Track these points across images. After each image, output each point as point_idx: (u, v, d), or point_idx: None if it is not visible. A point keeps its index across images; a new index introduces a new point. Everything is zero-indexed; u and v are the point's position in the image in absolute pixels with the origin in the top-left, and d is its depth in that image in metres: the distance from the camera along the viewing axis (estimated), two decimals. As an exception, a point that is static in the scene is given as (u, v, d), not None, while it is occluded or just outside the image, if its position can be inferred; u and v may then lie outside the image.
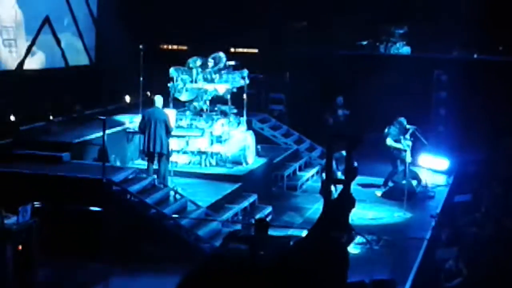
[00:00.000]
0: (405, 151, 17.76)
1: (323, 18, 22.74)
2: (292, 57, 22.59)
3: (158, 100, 15.17)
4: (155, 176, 14.70)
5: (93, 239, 12.74)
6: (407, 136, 18.15)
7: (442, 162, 19.80)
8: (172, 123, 15.64)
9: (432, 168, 19.78)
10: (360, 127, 17.26)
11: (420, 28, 23.47)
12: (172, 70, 17.38)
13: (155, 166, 14.95)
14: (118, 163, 15.52)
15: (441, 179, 19.30)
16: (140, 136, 15.96)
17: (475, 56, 23.45)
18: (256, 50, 23.17)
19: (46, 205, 12.14)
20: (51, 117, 16.09)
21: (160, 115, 14.94)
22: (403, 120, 18.41)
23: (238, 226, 14.30)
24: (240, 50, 22.42)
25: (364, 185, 18.15)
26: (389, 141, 18.30)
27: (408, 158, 17.51)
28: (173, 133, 15.55)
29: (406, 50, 24.28)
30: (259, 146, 18.17)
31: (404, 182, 17.49)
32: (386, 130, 18.28)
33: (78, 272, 12.52)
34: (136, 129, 15.55)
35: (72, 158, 14.60)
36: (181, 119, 17.11)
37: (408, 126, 18.86)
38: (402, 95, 20.46)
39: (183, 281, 9.42)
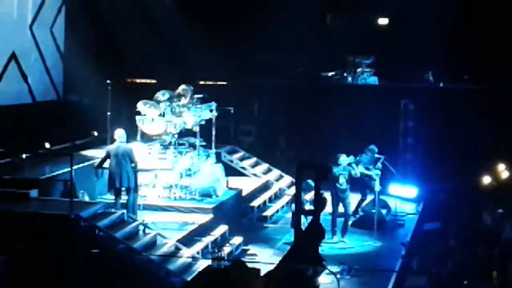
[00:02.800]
0: (375, 180, 17.83)
1: (292, 49, 22.90)
2: (260, 89, 22.72)
3: (119, 133, 15.13)
4: (124, 211, 14.61)
5: (62, 277, 12.59)
6: (378, 164, 18.25)
7: (411, 191, 19.93)
8: (140, 156, 15.58)
9: (401, 196, 19.88)
10: (328, 157, 17.29)
11: (387, 58, 23.75)
12: (140, 104, 17.36)
13: (123, 200, 14.88)
14: (86, 198, 15.40)
15: (411, 207, 19.42)
16: (108, 171, 15.87)
17: (441, 85, 23.77)
18: (224, 83, 23.26)
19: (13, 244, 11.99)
20: (18, 154, 15.95)
21: (124, 150, 14.92)
22: (374, 148, 18.53)
23: (208, 259, 14.22)
24: (209, 82, 22.49)
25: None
26: (360, 169, 18.28)
27: (377, 187, 17.58)
28: (142, 167, 15.50)
29: (373, 80, 24.55)
30: (228, 178, 18.16)
31: (374, 211, 17.55)
32: (357, 158, 18.31)
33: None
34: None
35: (39, 195, 14.45)
36: (149, 153, 17.06)
37: (377, 156, 19.00)
38: (370, 124, 20.64)
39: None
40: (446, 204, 19.08)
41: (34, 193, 14.27)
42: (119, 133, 15.15)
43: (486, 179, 20.29)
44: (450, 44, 22.23)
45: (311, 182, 14.33)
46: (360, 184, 18.26)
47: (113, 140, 15.44)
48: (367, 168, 18.06)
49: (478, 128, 21.18)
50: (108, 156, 14.98)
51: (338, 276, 13.87)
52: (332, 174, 16.50)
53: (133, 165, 14.98)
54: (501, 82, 22.05)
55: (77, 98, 20.08)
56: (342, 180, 16.76)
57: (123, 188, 14.99)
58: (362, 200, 18.55)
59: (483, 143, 20.98)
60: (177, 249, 14.17)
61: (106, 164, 15.22)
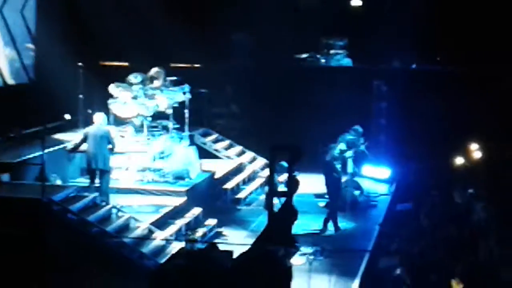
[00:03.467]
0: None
1: (265, 31, 22.86)
2: (234, 71, 22.67)
3: (99, 117, 15.09)
4: (97, 194, 14.58)
5: (35, 261, 12.55)
6: (362, 147, 18.29)
7: (384, 171, 20.05)
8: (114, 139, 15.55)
9: (374, 178, 20.00)
10: (301, 139, 17.34)
11: (360, 40, 23.78)
12: (112, 87, 17.27)
13: (96, 184, 14.84)
14: (58, 182, 15.33)
15: (383, 188, 19.54)
16: (81, 155, 15.82)
17: (414, 66, 23.86)
18: (197, 65, 23.19)
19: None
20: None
21: (103, 132, 14.88)
22: (358, 128, 18.42)
23: (182, 242, 14.24)
24: (182, 65, 22.40)
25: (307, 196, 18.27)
26: (341, 146, 18.01)
27: (350, 168, 17.66)
28: (115, 149, 15.47)
29: (347, 61, 24.59)
30: (201, 161, 18.15)
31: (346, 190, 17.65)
32: (340, 137, 18.09)
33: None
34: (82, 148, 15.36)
35: (11, 179, 14.37)
36: (122, 136, 17.01)
37: (349, 137, 19.01)
38: (343, 106, 20.70)
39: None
40: (419, 185, 19.23)
41: (5, 177, 14.21)
42: (100, 117, 15.10)
43: (459, 160, 20.47)
44: (422, 25, 22.29)
45: (284, 164, 14.38)
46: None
47: (87, 123, 15.35)
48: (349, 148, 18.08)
49: (451, 109, 21.32)
50: (85, 138, 14.91)
51: (312, 257, 13.98)
52: (330, 163, 16.50)
53: (110, 146, 14.94)
54: (473, 63, 22.18)
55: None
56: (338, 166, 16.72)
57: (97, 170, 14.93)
58: None
59: (456, 124, 21.14)
60: (151, 232, 14.17)
61: (82, 147, 15.16)
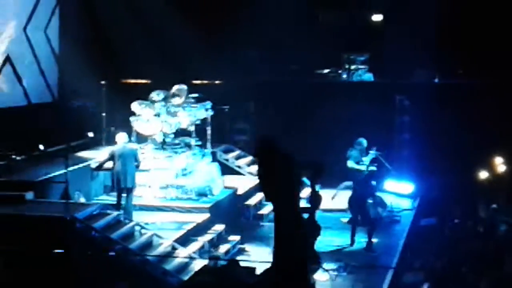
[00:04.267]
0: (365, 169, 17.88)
1: (288, 47, 22.90)
2: (255, 87, 22.71)
3: (122, 136, 15.19)
4: (121, 212, 14.64)
5: (59, 279, 12.60)
6: (370, 156, 18.28)
7: (407, 186, 19.95)
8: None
9: (397, 193, 19.90)
10: (324, 155, 17.31)
11: (382, 54, 23.75)
12: (134, 104, 17.38)
13: (121, 201, 14.93)
14: (82, 200, 15.42)
15: (407, 203, 19.42)
16: (104, 173, 15.92)
17: (436, 80, 23.78)
18: (219, 81, 23.26)
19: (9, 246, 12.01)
20: (13, 156, 15.97)
21: (129, 150, 15.07)
22: (362, 140, 18.39)
23: (205, 259, 14.24)
24: (203, 81, 22.49)
25: (329, 211, 18.20)
26: (350, 163, 18.09)
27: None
28: (140, 167, 15.54)
29: (368, 76, 24.54)
30: (224, 177, 18.16)
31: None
32: (348, 153, 18.25)
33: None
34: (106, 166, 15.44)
35: (35, 197, 14.47)
36: (144, 153, 17.08)
37: (372, 152, 18.97)
38: (366, 121, 20.63)
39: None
40: (442, 199, 19.12)
41: (29, 195, 14.30)
42: (123, 136, 15.23)
43: (483, 174, 20.33)
44: (444, 39, 22.23)
45: (306, 181, 14.35)
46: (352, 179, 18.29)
47: (110, 141, 15.45)
48: (358, 163, 18.03)
49: (474, 123, 21.19)
50: (111, 157, 15.04)
51: (335, 273, 13.92)
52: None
53: (136, 164, 15.06)
54: (495, 75, 22.06)
55: (80, 103, 20.00)
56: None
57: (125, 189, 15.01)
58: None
59: (479, 137, 20.98)
60: (174, 249, 14.19)
61: (107, 165, 15.28)
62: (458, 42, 22.75)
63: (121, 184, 14.93)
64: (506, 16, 22.57)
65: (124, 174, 14.85)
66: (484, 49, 22.57)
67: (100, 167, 15.63)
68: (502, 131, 20.78)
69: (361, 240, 16.66)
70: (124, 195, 15.04)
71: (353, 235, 16.35)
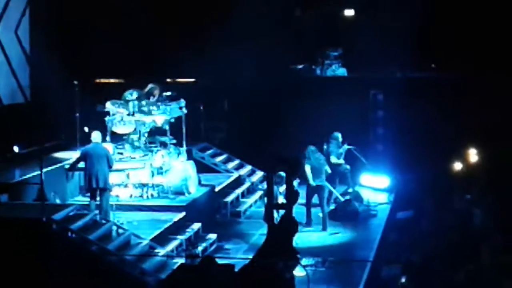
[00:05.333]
0: (344, 163, 18.15)
1: (261, 44, 22.89)
2: (230, 85, 22.68)
3: (97, 135, 15.08)
4: (97, 212, 14.56)
5: (36, 280, 12.50)
6: (342, 150, 18.62)
7: (383, 180, 20.04)
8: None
9: (374, 187, 19.99)
10: (300, 149, 17.36)
11: (355, 49, 23.82)
12: (108, 104, 17.28)
13: (96, 202, 14.82)
14: (58, 201, 15.30)
15: (383, 197, 19.51)
16: (79, 173, 15.81)
17: (409, 74, 23.89)
18: (193, 80, 23.20)
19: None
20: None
21: (101, 151, 14.88)
22: (337, 134, 18.78)
23: (183, 257, 14.22)
24: (178, 79, 22.42)
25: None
26: (334, 159, 18.59)
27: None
28: (113, 167, 15.45)
29: (342, 71, 24.63)
30: (200, 175, 18.13)
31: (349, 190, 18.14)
32: (324, 147, 18.57)
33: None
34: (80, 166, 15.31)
35: (10, 199, 14.34)
36: (120, 153, 17.01)
37: (347, 146, 19.15)
38: (340, 115, 20.70)
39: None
40: (418, 192, 19.23)
41: (4, 198, 14.15)
42: (95, 135, 15.09)
43: (457, 165, 20.49)
44: (417, 33, 22.33)
45: (283, 174, 14.38)
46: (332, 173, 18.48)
47: (84, 141, 15.35)
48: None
49: (447, 115, 21.34)
50: (83, 157, 14.90)
51: (313, 268, 13.95)
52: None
53: (111, 164, 14.92)
54: (468, 68, 22.23)
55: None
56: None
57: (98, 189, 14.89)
58: (333, 187, 18.73)
59: (453, 130, 21.15)
60: (151, 248, 14.14)
61: (80, 165, 15.14)
62: (431, 36, 22.88)
63: (92, 184, 14.77)
64: (478, 10, 22.73)
65: (96, 174, 14.69)
66: (456, 41, 22.74)
67: (73, 168, 15.49)
68: (475, 122, 20.94)
69: (337, 235, 16.74)
70: (98, 195, 14.91)
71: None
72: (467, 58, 22.44)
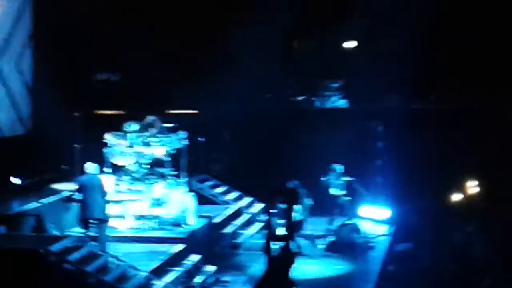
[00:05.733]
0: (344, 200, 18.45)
1: (261, 75, 23.00)
2: (229, 116, 22.74)
3: (91, 167, 15.09)
4: (95, 243, 14.53)
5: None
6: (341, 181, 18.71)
7: (383, 212, 20.02)
8: (110, 188, 15.55)
9: (373, 218, 19.97)
10: (299, 181, 17.39)
11: (355, 81, 23.92)
12: (108, 135, 17.35)
13: (93, 233, 14.80)
14: (55, 232, 15.29)
15: (382, 229, 19.48)
16: (78, 204, 15.81)
17: (409, 105, 23.95)
18: (194, 111, 23.27)
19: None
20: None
21: (96, 182, 14.87)
22: (336, 166, 18.88)
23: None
24: (178, 111, 22.50)
25: (308, 237, 18.27)
26: (333, 191, 18.69)
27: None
28: (112, 198, 15.46)
29: (342, 103, 24.70)
30: (199, 207, 18.11)
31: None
32: (324, 179, 18.67)
33: None
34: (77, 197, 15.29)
35: (8, 231, 14.31)
36: (118, 184, 17.03)
37: (348, 178, 19.21)
38: (340, 147, 20.75)
39: None
40: (418, 224, 19.20)
41: (1, 229, 14.13)
42: (90, 166, 15.11)
43: (457, 196, 20.47)
44: (416, 64, 22.42)
45: (283, 207, 14.40)
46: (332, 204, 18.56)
47: (83, 173, 15.36)
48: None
49: (447, 147, 21.37)
50: (80, 188, 14.90)
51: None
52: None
53: (103, 195, 14.88)
54: (467, 101, 22.30)
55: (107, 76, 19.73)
56: None
57: (93, 221, 14.86)
58: (332, 220, 18.75)
59: (452, 161, 21.16)
60: (149, 280, 14.09)
61: (77, 196, 15.14)
62: (431, 68, 22.98)
63: (86, 215, 14.70)
64: (477, 41, 22.86)
65: (92, 205, 14.67)
66: (456, 74, 22.83)
67: (70, 199, 15.45)
68: (474, 154, 20.96)
69: (338, 267, 16.70)
70: (95, 226, 14.86)
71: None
72: (466, 90, 22.52)
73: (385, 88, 23.68)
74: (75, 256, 13.57)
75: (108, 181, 16.23)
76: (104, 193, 14.86)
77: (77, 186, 15.06)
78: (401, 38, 22.38)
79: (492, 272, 15.78)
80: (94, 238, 14.73)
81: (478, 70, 22.47)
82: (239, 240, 18.39)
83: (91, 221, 14.70)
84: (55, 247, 13.41)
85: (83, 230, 15.20)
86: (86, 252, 13.97)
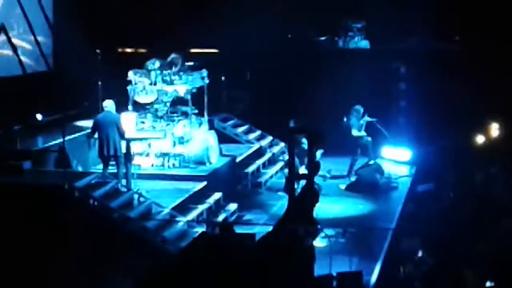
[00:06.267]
0: (365, 135, 18.63)
1: (284, 14, 22.75)
2: (252, 55, 22.59)
3: (109, 104, 15.07)
4: (120, 180, 14.62)
5: (58, 247, 12.62)
6: (363, 122, 18.70)
7: (405, 153, 19.99)
8: (131, 126, 15.58)
9: (395, 159, 19.95)
10: (322, 121, 17.36)
11: (378, 21, 23.61)
12: (130, 73, 17.31)
13: (111, 170, 14.87)
14: (80, 169, 15.40)
15: (404, 170, 19.47)
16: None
17: (432, 46, 23.68)
18: (215, 50, 23.14)
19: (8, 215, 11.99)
20: (10, 126, 15.90)
21: (111, 119, 14.87)
22: (359, 107, 18.80)
23: (203, 226, 14.29)
24: (200, 50, 22.37)
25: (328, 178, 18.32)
26: (355, 132, 18.69)
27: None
28: (132, 135, 15.49)
29: (364, 44, 24.45)
30: (221, 146, 18.17)
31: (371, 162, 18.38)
32: (345, 119, 18.66)
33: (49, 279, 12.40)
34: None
35: (33, 166, 14.43)
36: (142, 122, 17.07)
37: (369, 119, 19.14)
38: (362, 88, 20.61)
39: (148, 278, 9.46)
40: (440, 165, 19.17)
41: (27, 164, 14.25)
42: (107, 103, 15.10)
43: (480, 138, 20.38)
44: (440, 4, 22.10)
45: (304, 146, 14.39)
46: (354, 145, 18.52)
47: (102, 110, 15.39)
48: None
49: (469, 88, 21.17)
50: (96, 125, 14.92)
51: (334, 239, 13.97)
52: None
53: (121, 133, 14.86)
54: (491, 42, 22.00)
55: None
56: None
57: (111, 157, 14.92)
58: (354, 160, 18.75)
59: (475, 103, 20.99)
60: (172, 216, 14.21)
61: (96, 134, 15.17)
62: (454, 8, 22.64)
63: (104, 152, 14.73)
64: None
65: (107, 142, 14.66)
66: (481, 14, 22.47)
67: (90, 136, 15.44)
68: (497, 96, 20.77)
69: (359, 207, 16.76)
70: (112, 163, 14.91)
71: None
72: (490, 30, 22.19)
73: (408, 28, 23.38)
74: (99, 192, 13.72)
75: (129, 118, 16.27)
76: (121, 130, 14.85)
77: (93, 124, 15.07)
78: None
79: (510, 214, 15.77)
80: (114, 175, 14.81)
81: (504, 9, 22.10)
82: (261, 179, 18.45)
83: (110, 157, 14.75)
84: (80, 183, 13.57)
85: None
86: (110, 188, 14.12)
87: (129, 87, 17.25)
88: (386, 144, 20.01)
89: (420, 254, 13.76)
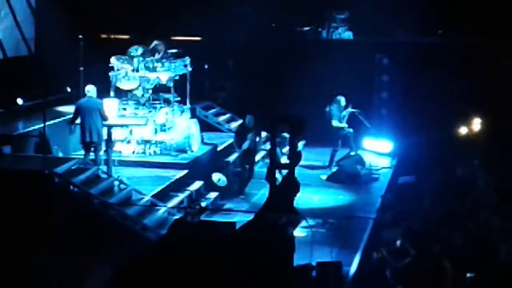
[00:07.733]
0: (348, 132, 18.46)
1: (267, 4, 22.69)
2: (235, 44, 22.52)
3: (91, 89, 14.97)
4: (100, 167, 14.55)
5: (37, 233, 12.53)
6: (345, 113, 18.65)
7: (386, 145, 20.03)
8: (113, 112, 15.48)
9: (376, 151, 19.99)
10: (302, 112, 17.30)
11: (362, 13, 23.60)
12: (113, 59, 17.20)
13: (92, 156, 14.80)
14: (60, 154, 15.29)
15: (385, 162, 19.51)
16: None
17: (415, 39, 23.70)
18: (198, 38, 23.04)
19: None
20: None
21: (94, 105, 14.77)
22: (340, 98, 18.84)
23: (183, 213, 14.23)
24: (183, 38, 22.26)
25: (309, 167, 18.30)
26: (335, 123, 18.69)
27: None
28: (116, 122, 15.40)
29: (348, 35, 24.44)
30: (203, 134, 18.11)
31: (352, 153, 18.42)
32: (327, 110, 18.66)
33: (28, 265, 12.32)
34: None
35: (13, 151, 14.31)
36: (124, 109, 16.98)
37: (351, 110, 19.15)
38: (345, 79, 20.60)
39: (127, 266, 9.41)
40: (421, 157, 19.23)
41: (7, 149, 14.13)
42: (89, 88, 15.01)
43: (463, 129, 20.46)
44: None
45: (286, 135, 14.36)
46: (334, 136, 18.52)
47: (84, 96, 15.29)
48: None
49: (452, 82, 21.22)
50: (78, 111, 14.82)
51: (314, 229, 13.98)
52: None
53: (104, 119, 14.79)
54: (475, 36, 22.04)
55: None
56: None
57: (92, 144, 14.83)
58: (334, 151, 18.76)
59: (457, 97, 21.05)
60: (152, 204, 14.16)
61: (78, 119, 15.07)
62: (438, 1, 22.67)
63: (86, 138, 14.67)
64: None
65: (90, 127, 14.61)
66: (464, 8, 22.51)
67: (72, 121, 15.33)
68: (480, 90, 20.83)
69: (340, 197, 16.78)
70: (95, 150, 14.84)
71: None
72: (474, 25, 22.22)
73: (392, 21, 23.39)
74: (79, 178, 13.64)
75: (111, 104, 16.18)
76: (103, 116, 14.75)
77: (74, 109, 14.97)
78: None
79: (489, 206, 15.83)
80: (94, 161, 14.73)
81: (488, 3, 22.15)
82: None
83: (91, 143, 14.67)
84: (60, 168, 13.47)
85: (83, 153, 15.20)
86: (90, 174, 14.04)
87: (111, 73, 17.15)
88: (367, 136, 20.04)
89: (398, 243, 13.75)
